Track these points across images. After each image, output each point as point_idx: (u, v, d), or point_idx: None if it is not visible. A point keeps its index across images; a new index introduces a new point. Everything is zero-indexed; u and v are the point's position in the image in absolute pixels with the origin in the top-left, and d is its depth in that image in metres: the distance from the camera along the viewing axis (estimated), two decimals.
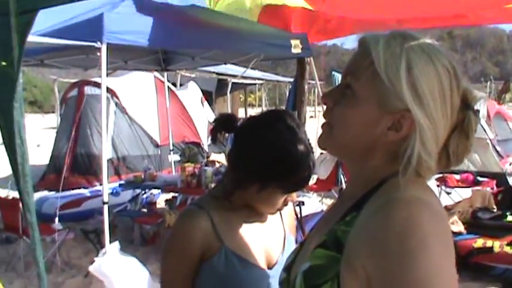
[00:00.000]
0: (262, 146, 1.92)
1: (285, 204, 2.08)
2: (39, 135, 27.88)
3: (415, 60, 1.26)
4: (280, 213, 2.21)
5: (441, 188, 9.44)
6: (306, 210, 8.01)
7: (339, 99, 1.36)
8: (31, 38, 3.25)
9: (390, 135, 1.29)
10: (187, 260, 1.96)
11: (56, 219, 7.45)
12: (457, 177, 9.90)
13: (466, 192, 9.21)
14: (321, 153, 9.65)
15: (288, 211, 2.28)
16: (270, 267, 2.07)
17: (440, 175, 9.43)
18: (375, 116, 1.30)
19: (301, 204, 7.89)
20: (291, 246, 2.14)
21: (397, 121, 1.27)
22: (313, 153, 1.99)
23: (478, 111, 1.33)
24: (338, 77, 21.66)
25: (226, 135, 2.10)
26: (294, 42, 8.49)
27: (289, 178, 1.94)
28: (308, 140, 1.99)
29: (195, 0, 8.64)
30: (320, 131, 1.41)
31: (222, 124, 2.06)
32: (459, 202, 8.55)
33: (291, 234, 2.25)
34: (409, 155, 1.25)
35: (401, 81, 1.25)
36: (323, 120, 1.43)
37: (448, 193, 9.54)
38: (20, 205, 4.91)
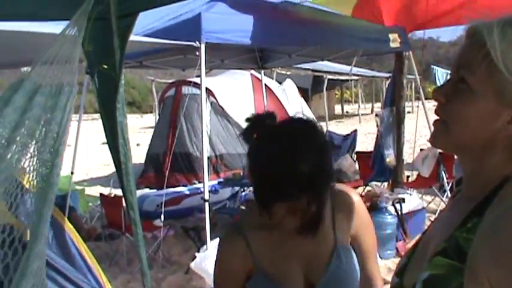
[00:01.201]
0: (255, 157, 1.86)
1: (283, 216, 1.84)
2: (139, 134, 28.64)
3: None
4: (334, 219, 2.00)
5: None
6: (406, 208, 7.86)
7: (452, 94, 1.29)
8: (132, 38, 3.31)
9: (511, 129, 1.22)
10: (232, 284, 2.03)
11: (162, 217, 7.59)
12: None
13: None
14: (421, 150, 9.46)
15: (347, 211, 2.04)
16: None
17: None
18: (494, 110, 1.23)
19: (401, 201, 7.76)
20: (346, 258, 1.98)
21: None
22: (310, 177, 1.76)
23: None
24: (437, 71, 21.24)
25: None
26: (392, 36, 8.35)
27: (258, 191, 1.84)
28: (322, 161, 1.81)
29: None
30: (430, 127, 1.37)
31: (254, 125, 1.93)
32: None
33: (346, 243, 2.03)
34: None
35: None
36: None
37: None
38: (123, 203, 5.04)
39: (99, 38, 3.20)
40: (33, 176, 1.92)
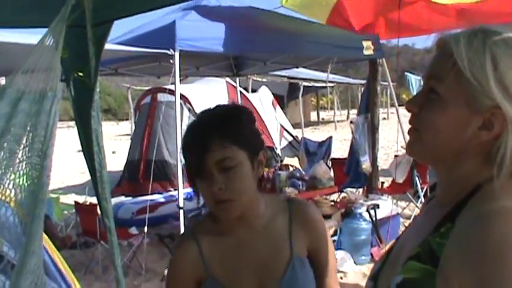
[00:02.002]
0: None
1: (217, 201, 1.82)
2: (114, 142, 28.51)
3: (500, 54, 1.23)
4: (290, 230, 1.95)
5: None
6: (381, 213, 7.91)
7: (424, 104, 1.33)
8: (106, 46, 3.32)
9: (482, 135, 1.25)
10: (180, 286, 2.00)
11: (147, 225, 7.56)
12: None
13: None
14: (396, 156, 9.53)
15: (305, 223, 1.99)
16: None
17: None
18: (464, 117, 1.26)
19: (376, 207, 7.81)
20: (301, 270, 1.93)
21: (488, 120, 1.24)
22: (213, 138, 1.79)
23: None
24: (411, 78, 21.45)
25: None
26: (365, 43, 8.43)
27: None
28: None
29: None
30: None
31: None
32: None
33: (303, 256, 1.96)
34: (503, 154, 1.22)
35: (488, 77, 1.22)
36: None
37: None
38: (98, 210, 5.03)
39: (74, 45, 3.20)
40: (23, 180, 1.94)
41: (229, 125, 1.82)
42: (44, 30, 2.21)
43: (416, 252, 1.28)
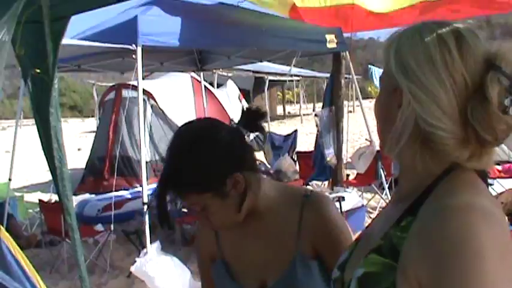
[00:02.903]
0: None
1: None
2: (80, 139, 28.27)
3: (404, 39, 1.31)
4: (300, 226, 1.88)
5: (488, 182, 9.28)
6: (346, 206, 7.96)
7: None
8: (66, 41, 3.29)
9: (399, 113, 1.28)
10: (203, 264, 2.15)
11: (113, 221, 7.50)
12: (499, 168, 9.75)
13: (508, 183, 9.05)
14: (359, 148, 9.60)
15: (319, 225, 1.88)
16: None
17: None
18: (388, 100, 1.33)
19: (341, 199, 7.85)
20: (302, 270, 1.87)
21: (399, 98, 1.28)
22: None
23: None
24: (374, 70, 21.58)
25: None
26: (329, 36, 8.46)
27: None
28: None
29: None
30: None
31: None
32: (502, 193, 8.39)
33: (309, 255, 1.88)
34: (397, 126, 1.27)
35: (391, 60, 1.30)
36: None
37: (491, 184, 9.33)
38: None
39: (31, 41, 3.17)
40: None
41: (182, 177, 1.78)
42: None
43: (378, 245, 1.28)
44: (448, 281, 1.09)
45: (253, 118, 1.91)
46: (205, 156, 1.77)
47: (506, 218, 4.63)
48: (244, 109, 1.96)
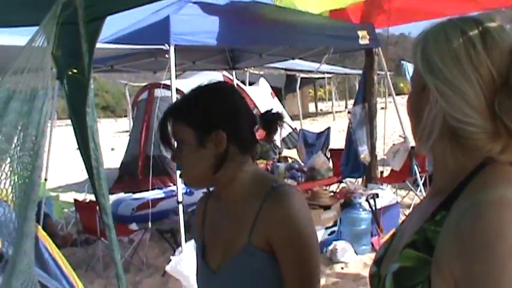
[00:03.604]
0: None
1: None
2: (113, 139, 28.51)
3: (429, 38, 1.32)
4: (256, 220, 1.84)
5: None
6: (380, 203, 7.93)
7: None
8: (100, 45, 3.32)
9: (426, 110, 1.30)
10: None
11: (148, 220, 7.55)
12: None
13: None
14: (393, 144, 9.53)
15: (274, 220, 1.81)
16: (215, 271, 1.96)
17: None
18: (418, 96, 1.34)
19: (375, 196, 7.82)
20: (246, 262, 1.85)
21: (428, 96, 1.29)
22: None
23: None
24: (407, 66, 21.42)
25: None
26: (361, 33, 8.42)
27: None
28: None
29: None
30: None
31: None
32: None
33: (259, 248, 1.83)
34: (424, 122, 1.29)
35: (418, 59, 1.31)
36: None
37: None
38: (97, 207, 5.04)
39: (67, 42, 3.19)
40: (15, 179, 1.94)
41: (181, 104, 2.00)
42: (35, 28, 2.21)
43: (413, 240, 1.28)
44: (481, 274, 1.09)
45: (269, 120, 2.05)
46: (211, 100, 1.96)
47: None
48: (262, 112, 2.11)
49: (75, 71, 3.27)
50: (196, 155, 1.91)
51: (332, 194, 8.69)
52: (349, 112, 10.05)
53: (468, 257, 1.11)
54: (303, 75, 24.59)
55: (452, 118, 1.23)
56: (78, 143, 3.57)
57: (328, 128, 13.35)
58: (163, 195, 10.66)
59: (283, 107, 18.17)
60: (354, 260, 7.28)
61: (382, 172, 10.02)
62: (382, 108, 15.52)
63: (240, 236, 1.88)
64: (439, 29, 1.31)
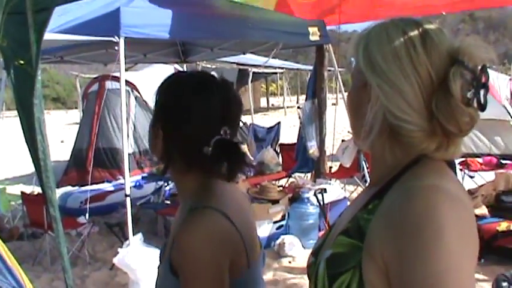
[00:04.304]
0: None
1: None
2: (63, 131, 28.11)
3: (372, 36, 1.35)
4: (172, 242, 1.67)
5: (464, 172, 9.37)
6: (328, 198, 8.01)
7: None
8: (49, 36, 3.29)
9: (368, 108, 1.33)
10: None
11: (87, 215, 7.47)
12: (480, 160, 9.84)
13: (489, 176, 9.13)
14: (343, 141, 9.64)
15: (175, 247, 1.64)
16: None
17: (463, 159, 9.39)
18: (359, 94, 1.38)
19: (323, 191, 7.90)
20: (161, 276, 1.77)
21: (368, 93, 1.33)
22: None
23: (483, 70, 1.27)
24: None
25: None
26: (311, 29, 8.48)
27: None
28: None
29: None
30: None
31: None
32: (482, 185, 8.47)
33: (170, 271, 1.66)
34: (373, 114, 1.31)
35: (359, 56, 1.35)
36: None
37: (471, 177, 9.45)
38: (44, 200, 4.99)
39: (14, 32, 3.16)
40: None
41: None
42: None
43: (346, 228, 1.33)
44: (408, 256, 1.13)
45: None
46: (170, 90, 1.81)
47: (487, 209, 4.72)
48: None
49: (22, 62, 3.23)
50: (151, 136, 1.81)
51: (281, 188, 8.76)
52: (299, 107, 10.13)
53: (397, 240, 1.15)
54: (254, 69, 24.64)
55: (392, 115, 1.27)
56: (24, 134, 3.53)
57: (279, 123, 13.42)
58: (112, 189, 10.61)
59: None
60: (302, 254, 7.34)
61: (331, 167, 10.13)
62: (333, 104, 15.65)
63: (168, 247, 1.73)
64: (382, 28, 1.35)
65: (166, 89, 1.81)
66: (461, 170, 9.25)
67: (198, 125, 1.71)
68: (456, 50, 1.28)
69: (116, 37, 6.36)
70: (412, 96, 1.26)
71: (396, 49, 1.28)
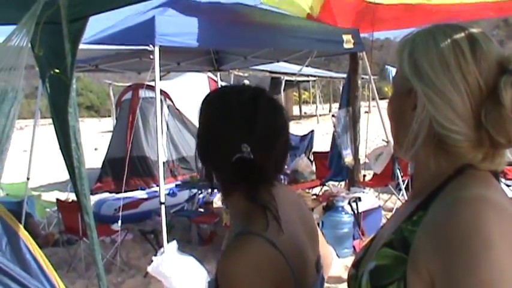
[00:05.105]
0: None
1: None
2: (97, 139, 28.39)
3: (418, 42, 1.33)
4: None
5: (501, 181, 9.23)
6: (363, 206, 7.95)
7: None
8: (84, 46, 3.31)
9: (415, 116, 1.30)
10: None
11: (119, 221, 7.51)
12: None
13: None
14: (376, 148, 9.57)
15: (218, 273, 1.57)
16: None
17: None
18: (402, 102, 1.35)
19: (357, 200, 7.85)
20: None
21: (413, 100, 1.30)
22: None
23: None
24: (391, 71, 21.49)
25: None
26: (346, 37, 8.44)
27: None
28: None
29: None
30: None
31: None
32: None
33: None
34: (413, 128, 1.29)
35: (404, 62, 1.32)
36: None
37: (508, 186, 9.32)
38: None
39: (49, 42, 3.19)
40: None
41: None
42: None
43: (390, 240, 1.30)
44: (456, 268, 1.10)
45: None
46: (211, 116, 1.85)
47: None
48: None
49: (57, 70, 3.26)
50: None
51: (314, 196, 8.71)
52: (333, 115, 10.08)
53: (443, 252, 1.12)
54: (287, 77, 24.65)
55: (439, 124, 1.24)
56: (59, 142, 3.56)
57: (312, 131, 13.38)
58: (146, 196, 10.67)
59: None
60: (336, 263, 7.28)
61: (364, 176, 10.06)
62: (366, 112, 15.56)
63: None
64: (428, 34, 1.32)
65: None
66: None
67: (218, 144, 1.71)
68: (506, 59, 1.25)
69: (151, 46, 6.40)
70: (460, 106, 1.23)
71: (445, 57, 1.26)
